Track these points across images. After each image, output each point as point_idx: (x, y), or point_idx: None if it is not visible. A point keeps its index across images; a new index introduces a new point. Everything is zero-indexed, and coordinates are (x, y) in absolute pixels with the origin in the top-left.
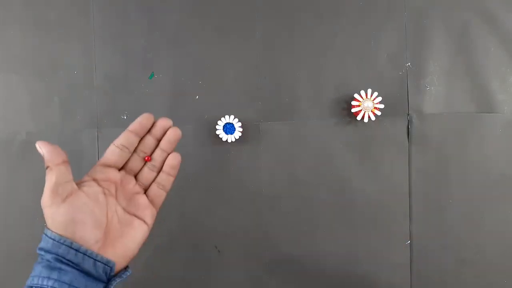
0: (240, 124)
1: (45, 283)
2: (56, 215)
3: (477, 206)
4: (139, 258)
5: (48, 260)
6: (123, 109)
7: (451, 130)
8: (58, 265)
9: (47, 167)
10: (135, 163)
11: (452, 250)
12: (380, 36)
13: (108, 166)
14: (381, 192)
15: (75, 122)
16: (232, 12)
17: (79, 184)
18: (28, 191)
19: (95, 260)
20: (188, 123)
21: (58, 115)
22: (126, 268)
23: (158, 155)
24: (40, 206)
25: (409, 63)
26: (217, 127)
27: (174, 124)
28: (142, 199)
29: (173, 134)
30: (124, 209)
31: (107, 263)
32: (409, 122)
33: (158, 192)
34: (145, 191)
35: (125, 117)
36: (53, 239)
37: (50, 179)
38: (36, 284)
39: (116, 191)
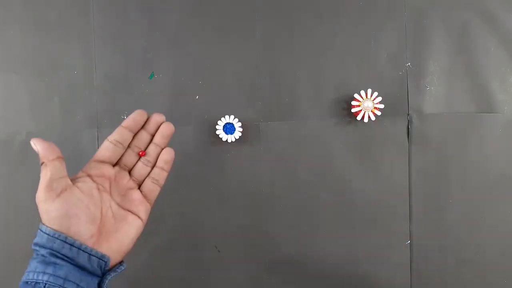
0: (240, 124)
1: (40, 277)
2: (50, 210)
3: (477, 206)
4: (139, 258)
5: (43, 255)
6: (123, 109)
7: (451, 130)
8: (53, 259)
9: (42, 163)
10: (129, 158)
11: (452, 250)
12: (380, 36)
13: (102, 161)
14: (381, 192)
15: (75, 122)
16: (232, 12)
17: (74, 179)
18: (28, 191)
19: (90, 254)
20: (188, 123)
21: (58, 115)
22: (121, 262)
23: (152, 150)
24: None
25: (409, 63)
26: (217, 127)
27: (175, 124)
28: (136, 194)
29: (166, 128)
30: (118, 204)
31: (101, 258)
32: (409, 122)
33: (152, 187)
34: (139, 186)
35: (125, 117)
36: (48, 234)
37: (45, 174)
38: (31, 279)
39: (110, 186)
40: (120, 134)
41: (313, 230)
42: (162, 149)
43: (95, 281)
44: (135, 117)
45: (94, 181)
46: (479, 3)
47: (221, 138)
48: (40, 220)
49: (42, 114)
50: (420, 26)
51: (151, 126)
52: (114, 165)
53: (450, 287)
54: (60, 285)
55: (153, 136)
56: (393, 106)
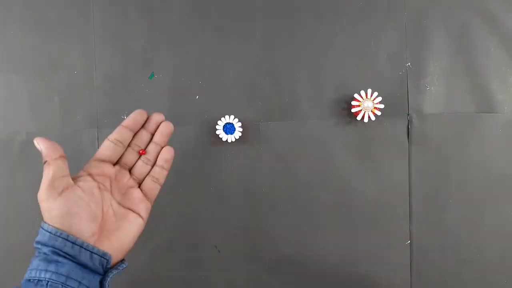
0: (240, 124)
1: (42, 275)
2: (52, 208)
3: (477, 206)
4: (139, 258)
5: (45, 253)
6: (123, 109)
7: (451, 130)
8: (55, 257)
9: (45, 161)
10: (130, 157)
11: (452, 250)
12: (380, 36)
13: (103, 161)
14: (381, 192)
15: (75, 122)
16: (232, 12)
17: (75, 178)
18: (28, 191)
19: (92, 252)
20: (188, 123)
21: (58, 115)
22: (122, 260)
23: (152, 149)
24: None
25: (409, 63)
26: (217, 127)
27: (175, 124)
28: (137, 193)
29: (166, 127)
30: (119, 203)
31: (103, 256)
32: (409, 122)
33: (152, 186)
34: (139, 185)
35: (125, 117)
36: (50, 232)
37: (47, 173)
38: (34, 277)
39: (111, 185)
40: (120, 133)
41: (313, 230)
42: (162, 147)
43: (97, 279)
44: (135, 117)
45: (95, 180)
46: (479, 3)
47: (221, 138)
48: (41, 219)
49: (42, 114)
50: (420, 26)
51: (151, 125)
52: (114, 164)
53: (450, 287)
54: (62, 283)
55: (153, 135)
56: (393, 106)
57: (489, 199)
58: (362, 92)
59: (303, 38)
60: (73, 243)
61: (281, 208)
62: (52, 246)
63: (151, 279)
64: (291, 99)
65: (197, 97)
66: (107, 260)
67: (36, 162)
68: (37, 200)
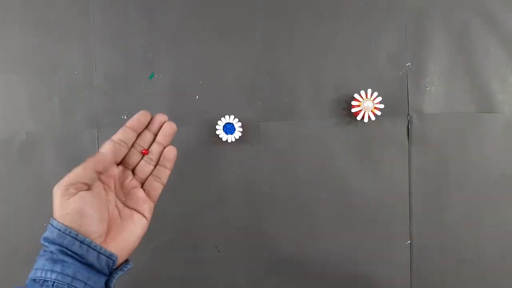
0: (240, 124)
1: (48, 276)
2: (65, 205)
3: (477, 206)
4: (139, 258)
5: (51, 252)
6: (123, 109)
7: (451, 130)
8: (62, 257)
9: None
10: (133, 157)
11: (452, 250)
12: (380, 36)
13: None
14: (381, 192)
15: (75, 122)
16: (232, 12)
17: None
18: (28, 191)
19: (99, 252)
20: (188, 123)
21: (58, 115)
22: (126, 261)
23: (154, 149)
24: (40, 206)
25: (409, 63)
26: (217, 127)
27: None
28: (140, 193)
29: (169, 127)
30: (123, 203)
31: (110, 256)
32: (409, 122)
33: (155, 185)
34: (142, 185)
35: (125, 117)
36: (59, 230)
37: (76, 172)
38: (39, 277)
39: (115, 185)
40: (124, 133)
41: (313, 230)
42: (165, 147)
43: (102, 280)
44: (139, 118)
45: (100, 180)
46: (479, 3)
47: (221, 138)
48: (51, 215)
49: (42, 114)
50: (420, 26)
51: (154, 126)
52: (118, 165)
53: (450, 287)
54: (68, 284)
55: (156, 135)
56: (393, 106)
57: (489, 199)
58: (362, 92)
59: (303, 38)
60: (82, 242)
61: (281, 208)
62: (59, 244)
63: (151, 279)
64: (291, 99)
65: (197, 97)
66: (113, 261)
67: (36, 162)
68: (37, 200)
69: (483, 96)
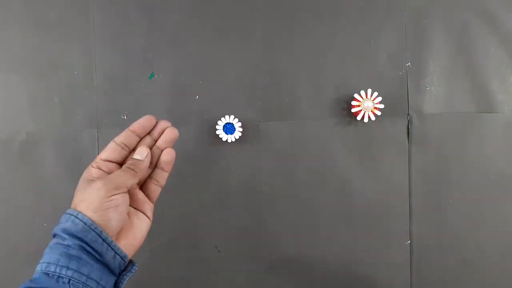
0: (240, 124)
1: (63, 272)
2: (105, 203)
3: (477, 206)
4: (139, 258)
5: (68, 246)
6: (123, 109)
7: (451, 130)
8: (79, 253)
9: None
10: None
11: (452, 250)
12: (380, 36)
13: (110, 161)
14: (381, 192)
15: (75, 122)
16: (232, 12)
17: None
18: (28, 191)
19: (116, 252)
20: (188, 123)
21: (58, 115)
22: (131, 263)
23: (153, 151)
24: (40, 206)
25: (409, 63)
26: (217, 127)
27: (175, 124)
28: (140, 194)
29: (170, 133)
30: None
31: (124, 257)
32: (409, 122)
33: (154, 188)
34: (141, 187)
35: (125, 117)
36: (85, 223)
37: (125, 177)
38: (53, 272)
39: None
40: (127, 137)
41: (313, 230)
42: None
43: (112, 280)
44: (144, 123)
45: None
46: (479, 3)
47: (221, 138)
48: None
49: (42, 114)
50: (420, 26)
51: (156, 132)
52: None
53: (450, 287)
54: (83, 282)
55: (156, 140)
56: (393, 106)
57: (489, 199)
58: (362, 92)
59: (303, 38)
60: (104, 240)
61: (281, 208)
62: (81, 239)
63: (151, 279)
64: (291, 99)
65: (197, 97)
66: (124, 262)
67: (36, 162)
68: (37, 200)
69: (483, 96)
